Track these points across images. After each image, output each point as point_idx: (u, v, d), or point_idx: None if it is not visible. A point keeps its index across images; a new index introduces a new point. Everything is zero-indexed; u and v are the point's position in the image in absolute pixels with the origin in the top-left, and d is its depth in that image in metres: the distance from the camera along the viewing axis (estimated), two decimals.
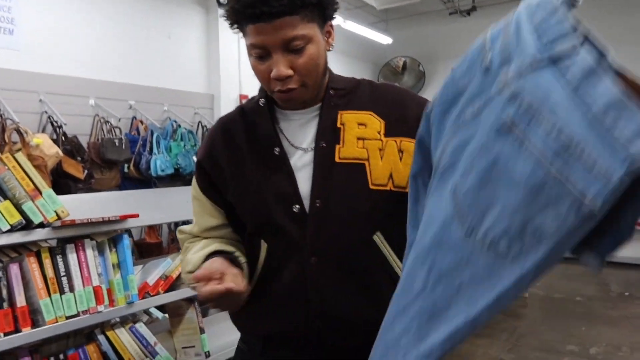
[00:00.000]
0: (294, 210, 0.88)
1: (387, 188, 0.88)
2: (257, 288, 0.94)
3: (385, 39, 5.78)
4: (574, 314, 3.99)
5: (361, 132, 0.90)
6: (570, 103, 0.47)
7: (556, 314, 4.02)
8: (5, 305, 1.39)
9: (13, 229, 1.42)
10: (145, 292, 1.74)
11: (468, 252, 0.54)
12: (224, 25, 0.92)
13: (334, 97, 0.93)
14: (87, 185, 3.05)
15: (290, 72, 0.83)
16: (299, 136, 0.93)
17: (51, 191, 1.51)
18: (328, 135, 0.90)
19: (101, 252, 1.62)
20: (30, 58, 3.13)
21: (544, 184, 0.48)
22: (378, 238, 0.89)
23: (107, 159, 3.17)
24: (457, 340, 0.55)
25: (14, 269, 1.43)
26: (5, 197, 1.44)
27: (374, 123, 0.91)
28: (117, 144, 3.21)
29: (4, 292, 1.39)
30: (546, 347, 3.35)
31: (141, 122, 3.61)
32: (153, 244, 3.43)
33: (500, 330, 3.66)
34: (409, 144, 0.88)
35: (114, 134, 3.34)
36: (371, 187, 0.88)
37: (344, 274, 0.88)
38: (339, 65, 5.85)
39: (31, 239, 1.48)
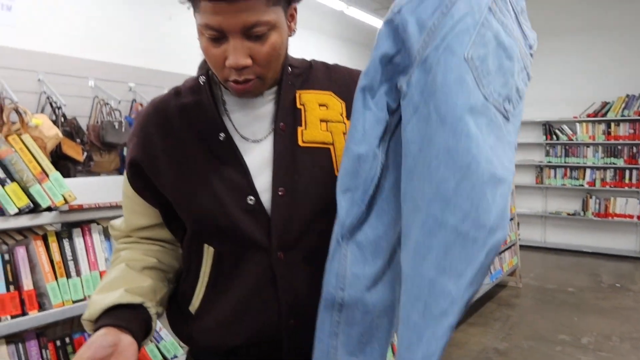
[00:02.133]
0: (249, 202, 0.78)
1: None
2: (208, 298, 0.83)
3: None
4: (566, 304, 4.07)
5: (323, 114, 0.82)
6: None
7: (549, 304, 4.09)
8: (12, 288, 1.39)
9: (21, 212, 1.40)
10: None
11: (491, 114, 0.64)
12: None
13: (290, 75, 0.83)
14: (86, 168, 3.03)
15: (249, 61, 0.73)
16: (253, 125, 0.82)
17: (58, 174, 1.50)
18: (288, 117, 0.81)
19: (107, 237, 1.61)
20: (28, 36, 3.08)
21: (524, 57, 0.72)
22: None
23: (106, 141, 3.14)
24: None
25: (21, 252, 1.42)
26: (13, 180, 1.42)
27: (335, 104, 0.84)
28: (116, 126, 3.18)
29: (10, 275, 1.39)
30: (538, 336, 3.41)
31: (141, 105, 3.57)
32: None
33: (494, 319, 3.72)
34: None
35: (113, 116, 3.31)
36: (337, 173, 0.78)
37: (313, 266, 0.79)
38: (342, 51, 5.82)
39: (38, 222, 1.46)
